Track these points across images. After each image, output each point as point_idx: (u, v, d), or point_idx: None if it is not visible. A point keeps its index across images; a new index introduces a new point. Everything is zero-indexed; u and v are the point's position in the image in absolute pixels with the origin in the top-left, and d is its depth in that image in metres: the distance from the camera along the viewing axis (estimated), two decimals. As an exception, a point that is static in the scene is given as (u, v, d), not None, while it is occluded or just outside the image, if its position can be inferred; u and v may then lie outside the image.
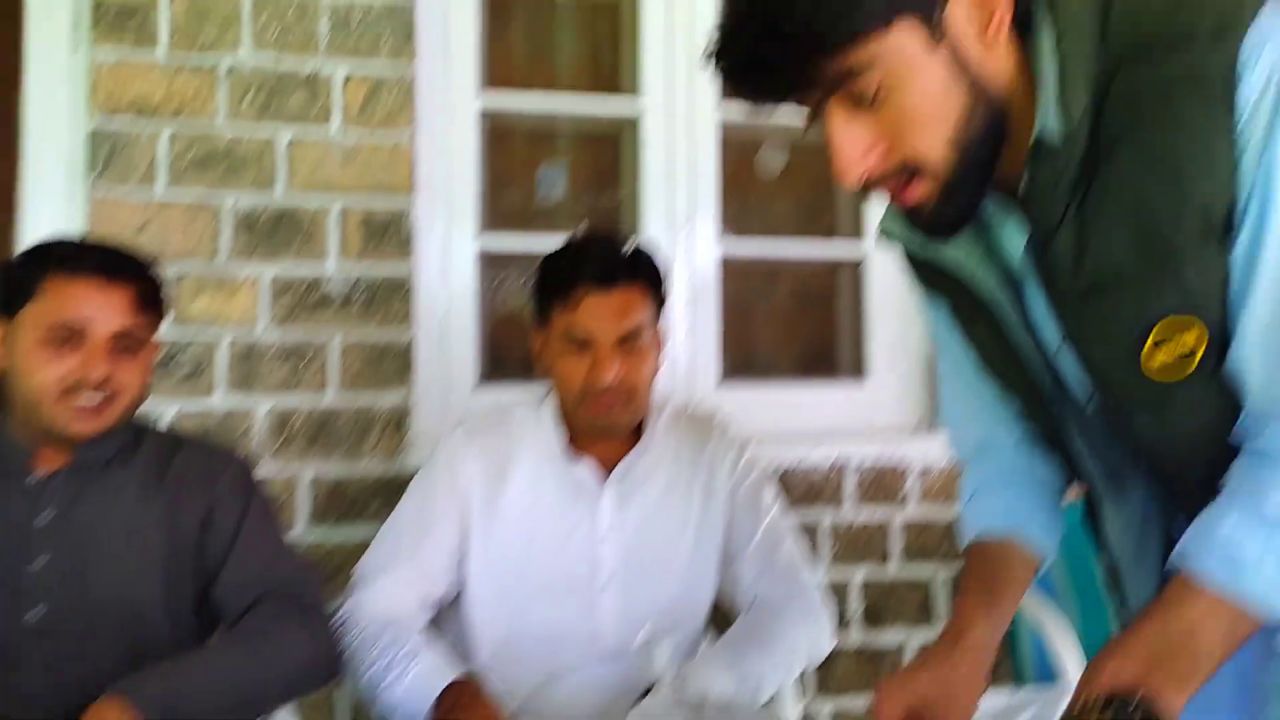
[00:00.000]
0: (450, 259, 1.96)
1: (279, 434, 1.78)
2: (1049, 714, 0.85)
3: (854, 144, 0.76)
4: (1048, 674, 1.70)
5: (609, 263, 1.31)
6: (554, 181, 2.26)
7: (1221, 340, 0.76)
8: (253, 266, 1.77)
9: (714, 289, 2.13)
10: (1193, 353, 0.76)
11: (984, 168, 0.79)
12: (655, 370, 1.38)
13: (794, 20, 0.72)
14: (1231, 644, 0.73)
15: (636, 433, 1.43)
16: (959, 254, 0.88)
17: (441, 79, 1.94)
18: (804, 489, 2.05)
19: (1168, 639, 0.72)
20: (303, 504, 1.79)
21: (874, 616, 2.09)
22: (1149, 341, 0.76)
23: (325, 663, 1.20)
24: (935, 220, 0.81)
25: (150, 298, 1.19)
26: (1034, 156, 0.77)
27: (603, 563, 1.38)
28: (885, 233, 0.96)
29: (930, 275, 0.94)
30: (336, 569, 1.75)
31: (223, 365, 1.76)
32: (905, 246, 0.94)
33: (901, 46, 0.73)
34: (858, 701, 2.06)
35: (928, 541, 2.11)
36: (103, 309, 1.13)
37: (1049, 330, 0.87)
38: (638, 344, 1.32)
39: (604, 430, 1.39)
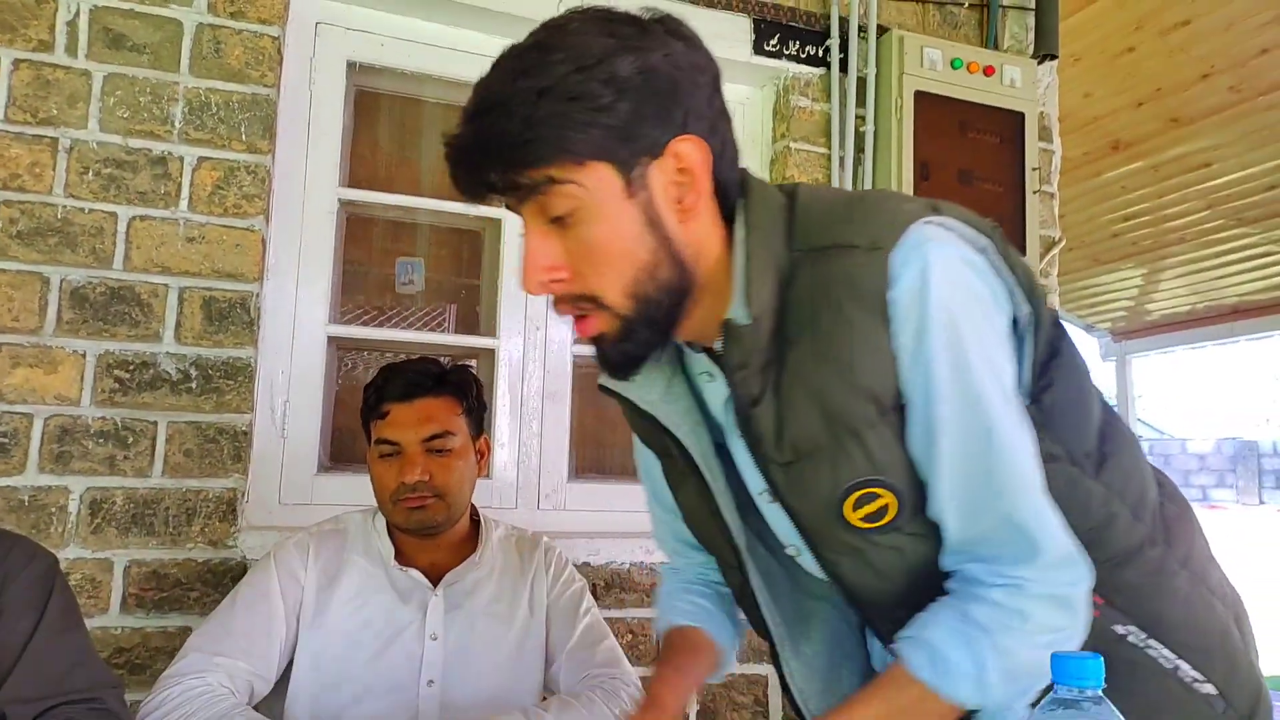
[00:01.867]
0: (298, 343, 1.95)
1: (95, 515, 1.70)
2: None
3: (541, 255, 0.83)
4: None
5: (413, 379, 1.47)
6: (412, 273, 2.29)
7: (911, 496, 0.87)
8: (80, 342, 1.72)
9: (568, 389, 2.18)
10: (886, 508, 0.87)
11: (661, 323, 0.86)
12: (468, 474, 1.49)
13: (504, 130, 0.78)
14: None
15: (467, 546, 1.53)
16: (674, 411, 0.95)
17: (299, 170, 1.97)
18: (645, 587, 2.08)
19: (884, 717, 0.83)
20: (117, 589, 1.69)
21: (708, 715, 2.10)
22: (849, 501, 0.86)
23: None
24: (611, 356, 0.87)
25: None
26: (726, 336, 0.86)
27: (427, 662, 1.40)
28: (603, 388, 1.00)
29: (646, 430, 1.00)
30: (150, 657, 1.66)
31: (36, 441, 1.68)
32: (628, 399, 0.98)
33: (598, 184, 0.80)
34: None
35: (762, 642, 2.16)
36: None
37: (754, 481, 0.96)
38: (444, 448, 1.44)
39: (420, 530, 1.46)
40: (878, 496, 0.85)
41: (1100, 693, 0.66)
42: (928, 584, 0.89)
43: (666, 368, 0.96)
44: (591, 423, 2.38)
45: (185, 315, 1.79)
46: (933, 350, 0.82)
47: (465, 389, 1.52)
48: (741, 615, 1.11)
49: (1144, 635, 0.88)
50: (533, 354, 2.17)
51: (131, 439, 1.73)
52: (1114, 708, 0.66)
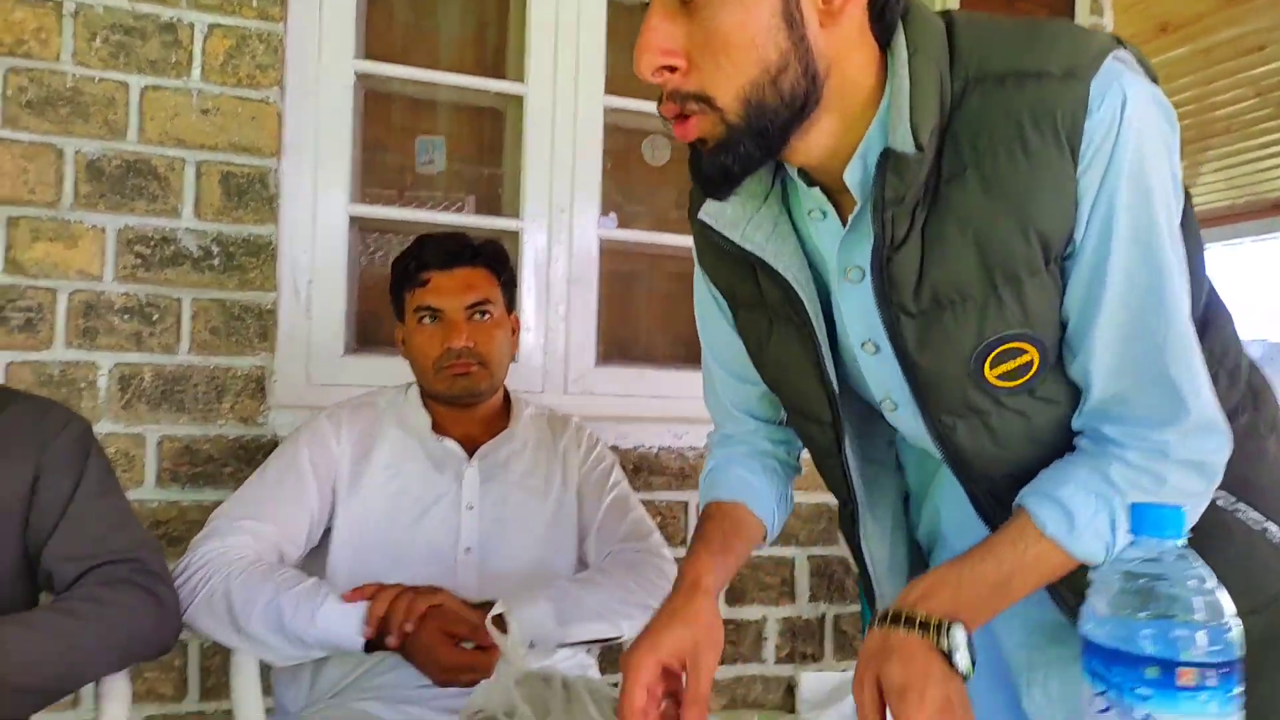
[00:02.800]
0: (319, 223, 1.90)
1: (124, 391, 1.70)
2: None
3: (661, 35, 0.76)
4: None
5: (452, 248, 1.46)
6: (433, 153, 2.22)
7: (1052, 356, 0.81)
8: (98, 216, 1.68)
9: (594, 272, 2.14)
10: (1027, 366, 0.81)
11: (770, 138, 0.78)
12: (507, 347, 1.48)
13: None
14: (1045, 582, 0.82)
15: (499, 422, 1.51)
16: (782, 252, 0.88)
17: (313, 40, 1.89)
18: (675, 470, 2.08)
19: (998, 571, 0.79)
20: (150, 463, 1.70)
21: (736, 594, 2.13)
22: (991, 356, 0.81)
23: (161, 631, 1.15)
24: (707, 169, 0.80)
25: None
26: (884, 167, 0.78)
27: (463, 532, 1.40)
28: (700, 224, 0.94)
29: (732, 275, 0.94)
30: (186, 530, 1.68)
31: (62, 317, 1.66)
32: (720, 236, 0.90)
33: None
34: (721, 672, 2.09)
35: (791, 525, 2.17)
36: None
37: (859, 331, 0.89)
38: (486, 317, 1.44)
39: (463, 398, 1.45)
40: (1022, 353, 0.80)
41: (1182, 545, 0.63)
42: (1043, 454, 0.85)
43: (774, 204, 0.89)
44: (618, 308, 2.35)
45: (203, 190, 1.74)
46: (1118, 191, 0.75)
47: (501, 261, 1.50)
48: (788, 492, 1.06)
49: (1233, 499, 0.85)
50: (558, 237, 2.11)
51: (156, 315, 1.71)
52: (1198, 559, 0.63)
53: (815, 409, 0.95)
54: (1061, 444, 0.86)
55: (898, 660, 0.72)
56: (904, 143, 0.77)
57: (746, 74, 0.75)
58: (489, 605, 1.17)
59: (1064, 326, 0.81)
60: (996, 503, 0.89)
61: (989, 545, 0.81)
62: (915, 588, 0.78)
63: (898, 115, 0.77)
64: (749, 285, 0.92)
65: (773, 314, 0.92)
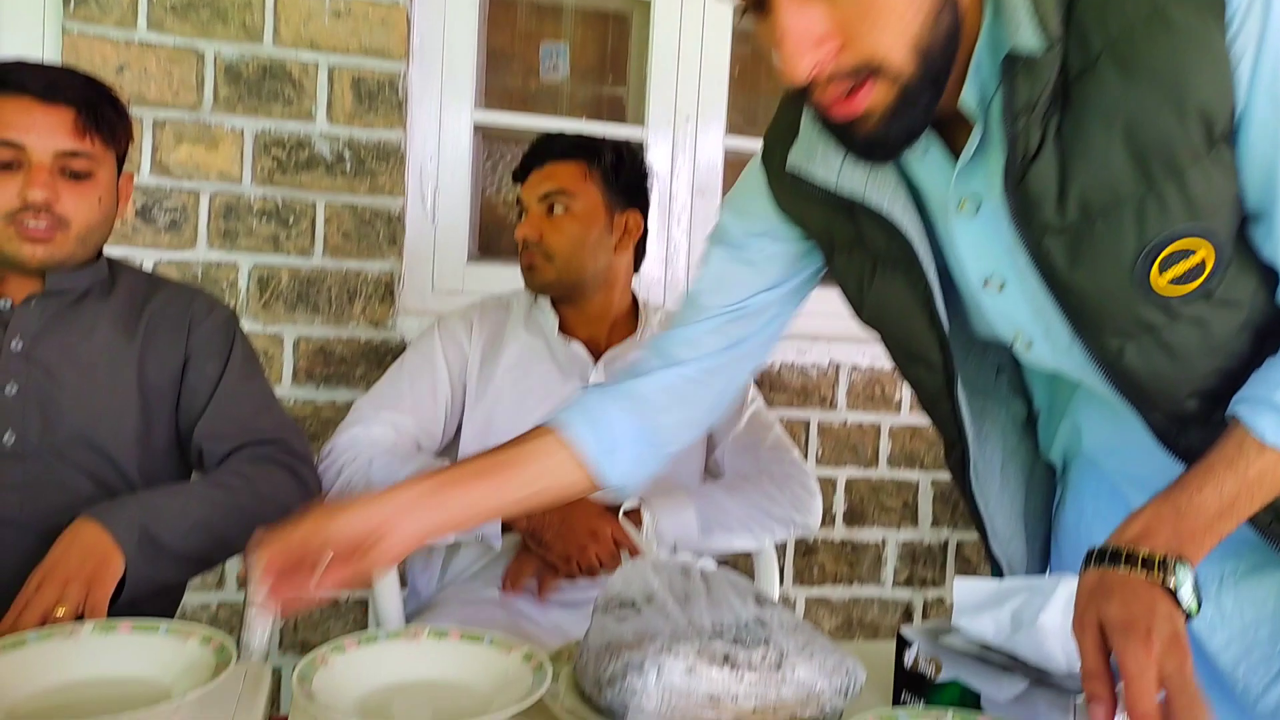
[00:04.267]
0: (445, 130, 1.90)
1: (263, 292, 1.75)
2: (1036, 603, 0.83)
3: (806, 31, 0.69)
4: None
5: (543, 142, 1.49)
6: (557, 59, 2.18)
7: (1229, 249, 0.73)
8: (237, 119, 1.72)
9: (718, 184, 2.08)
10: (1201, 266, 0.73)
11: (941, 80, 0.72)
12: (586, 239, 1.43)
13: None
14: (1273, 497, 0.74)
15: (627, 327, 1.50)
16: (884, 193, 0.80)
17: (441, -61, 1.86)
18: (798, 387, 2.04)
19: (1220, 498, 0.71)
20: (288, 362, 1.77)
21: (856, 515, 2.09)
22: (1158, 261, 0.73)
23: (305, 510, 1.20)
24: (881, 135, 0.73)
25: (96, 121, 1.12)
26: (1011, 73, 0.70)
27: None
28: (773, 161, 0.86)
29: (828, 220, 0.87)
30: (322, 428, 1.74)
31: (204, 218, 1.72)
32: (808, 179, 0.84)
33: None
34: (835, 591, 2.08)
35: (915, 447, 2.10)
36: (41, 129, 1.08)
37: (977, 267, 0.82)
38: (559, 210, 1.43)
39: (534, 291, 1.46)
40: (1192, 252, 0.72)
41: None
42: (1228, 365, 0.77)
43: None
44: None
45: (335, 94, 1.76)
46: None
47: (595, 153, 1.46)
48: (650, 455, 0.97)
49: None
50: (682, 148, 2.06)
51: (292, 218, 1.75)
52: None
53: (923, 352, 0.89)
54: (1248, 352, 0.78)
55: (1119, 598, 0.66)
56: (1029, 39, 0.69)
57: (912, 23, 0.69)
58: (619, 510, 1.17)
59: (1243, 213, 0.73)
60: (1181, 427, 0.81)
61: (1205, 470, 0.73)
62: (1132, 524, 0.71)
63: (1013, 12, 0.70)
64: (847, 228, 0.86)
65: (876, 257, 0.86)
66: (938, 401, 0.93)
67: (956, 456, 0.97)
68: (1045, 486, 1.01)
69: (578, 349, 1.42)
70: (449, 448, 1.41)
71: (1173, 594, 0.67)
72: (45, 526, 1.04)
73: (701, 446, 1.46)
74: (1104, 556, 0.69)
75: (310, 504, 1.19)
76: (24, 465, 1.09)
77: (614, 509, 1.25)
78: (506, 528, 1.23)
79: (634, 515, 1.10)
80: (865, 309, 0.92)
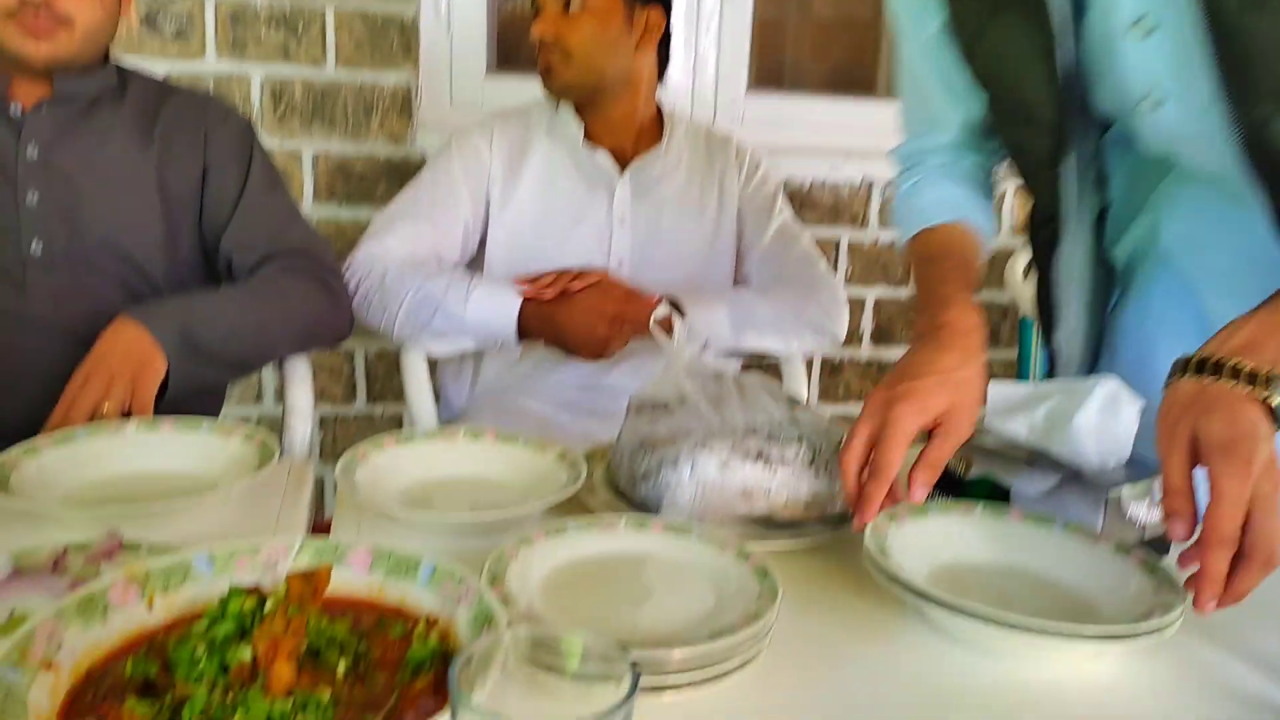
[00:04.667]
0: (457, -71, 1.77)
1: (277, 105, 1.70)
2: (1071, 405, 0.82)
3: None
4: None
5: None
6: None
7: None
8: (238, -85, 1.61)
9: (747, -5, 1.95)
10: None
11: None
12: (605, 38, 1.35)
13: None
14: None
15: (652, 137, 1.43)
16: None
17: None
18: (828, 205, 1.98)
19: None
20: (308, 179, 1.74)
21: (884, 335, 2.08)
22: None
23: (337, 320, 1.20)
24: None
25: None
26: None
27: (615, 246, 1.38)
28: None
29: None
30: (346, 247, 1.72)
31: (211, 26, 1.64)
32: None
33: None
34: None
35: (948, 266, 2.07)
36: None
37: (1127, 8, 0.74)
38: (575, 6, 1.34)
39: (552, 95, 1.39)
40: None
41: None
42: None
43: None
44: (772, 29, 2.16)
45: (339, -115, 1.63)
46: None
47: None
48: (992, 208, 0.97)
49: None
50: (711, -50, 1.91)
51: (302, 25, 1.67)
52: None
53: (1036, 109, 0.84)
54: None
55: (1222, 415, 0.62)
56: None
57: None
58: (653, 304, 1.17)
59: None
60: None
61: None
62: (1236, 334, 0.66)
63: None
64: None
65: (1019, 7, 0.79)
66: (1040, 170, 0.89)
67: (1046, 235, 0.94)
68: (1104, 286, 0.98)
69: (603, 158, 1.38)
70: (470, 264, 1.39)
71: (1274, 413, 0.63)
72: (78, 332, 1.05)
73: (730, 258, 1.44)
74: (1203, 366, 0.65)
75: (341, 316, 1.21)
76: (53, 274, 1.10)
77: (646, 314, 1.24)
78: (523, 334, 1.23)
79: (665, 321, 1.10)
80: (978, 57, 0.86)
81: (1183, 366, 0.66)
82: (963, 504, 0.77)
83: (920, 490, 0.73)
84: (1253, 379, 0.63)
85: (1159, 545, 0.78)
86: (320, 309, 1.17)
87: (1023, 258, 1.86)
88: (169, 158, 1.15)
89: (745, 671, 0.59)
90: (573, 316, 1.23)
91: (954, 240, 0.91)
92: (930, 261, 0.90)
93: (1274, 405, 0.63)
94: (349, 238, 1.73)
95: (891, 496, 0.73)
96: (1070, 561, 0.72)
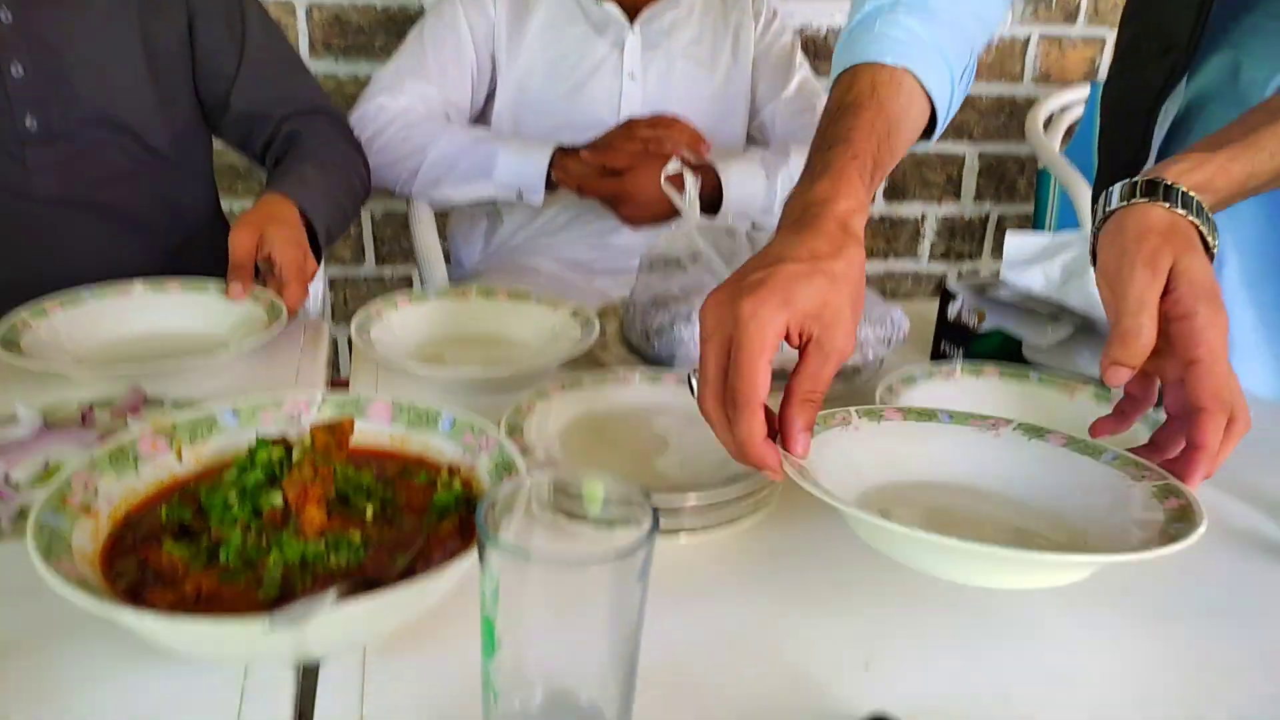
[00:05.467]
0: None
1: (265, -49, 1.61)
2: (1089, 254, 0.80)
3: None
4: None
5: None
6: None
7: None
8: None
9: None
10: None
11: None
12: None
13: None
14: None
15: None
16: None
17: None
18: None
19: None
20: (302, 33, 1.67)
21: (897, 191, 2.05)
22: None
23: (369, 178, 1.19)
24: None
25: None
26: None
27: (625, 101, 1.34)
28: None
29: None
30: (346, 105, 1.67)
31: None
32: None
33: None
34: (870, 266, 2.10)
35: (965, 119, 2.00)
36: None
37: None
38: None
39: None
40: None
41: None
42: None
43: None
44: None
45: None
46: None
47: None
48: (973, 63, 0.77)
49: None
50: None
51: None
52: None
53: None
54: None
55: (1199, 256, 0.56)
56: None
57: None
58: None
59: None
60: None
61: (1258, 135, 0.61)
62: (1197, 169, 0.60)
63: None
64: None
65: None
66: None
67: (1168, 64, 0.86)
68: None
69: (611, 8, 1.32)
70: (477, 122, 1.35)
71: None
72: (85, 203, 1.04)
73: (744, 113, 1.40)
74: (1171, 195, 0.59)
75: (368, 170, 1.18)
76: (53, 148, 1.06)
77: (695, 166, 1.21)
78: (550, 185, 1.21)
79: (675, 179, 1.07)
80: None
81: (1148, 189, 0.59)
82: (972, 365, 0.78)
83: (802, 440, 0.53)
84: (1209, 223, 0.59)
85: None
86: (363, 170, 1.16)
87: (1045, 108, 1.80)
88: (151, 13, 1.10)
89: (758, 516, 0.61)
90: (642, 184, 1.19)
91: (882, 94, 0.67)
92: (835, 116, 0.67)
93: (1214, 254, 0.59)
94: (348, 94, 1.69)
95: (783, 434, 0.53)
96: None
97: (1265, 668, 0.51)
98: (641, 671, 0.41)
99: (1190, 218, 0.58)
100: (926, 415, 0.61)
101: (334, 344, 1.84)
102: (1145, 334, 0.54)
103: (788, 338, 0.53)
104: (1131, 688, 0.48)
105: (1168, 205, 0.58)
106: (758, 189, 1.21)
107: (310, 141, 1.12)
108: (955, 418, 0.61)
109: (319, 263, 1.00)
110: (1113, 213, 0.60)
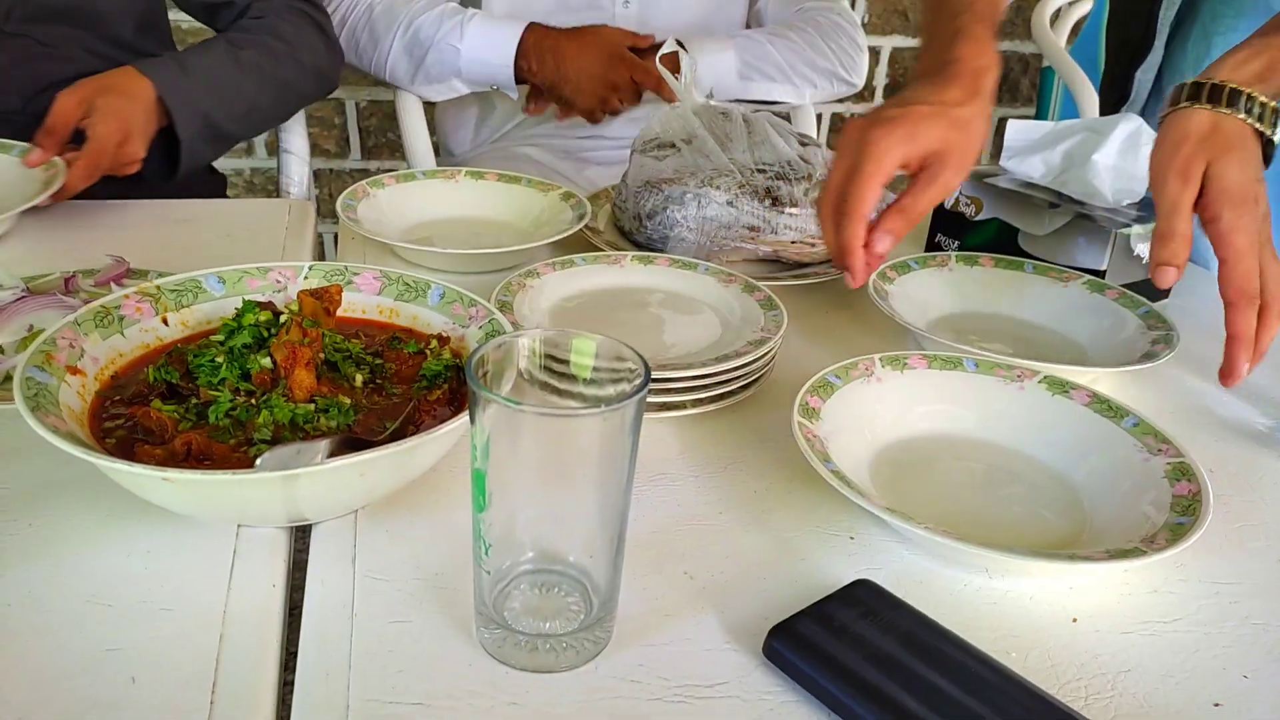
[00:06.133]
0: None
1: None
2: (1091, 142, 0.79)
3: None
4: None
5: None
6: None
7: None
8: None
9: None
10: None
11: None
12: None
13: None
14: None
15: None
16: None
17: None
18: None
19: None
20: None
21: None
22: None
23: (333, 66, 1.12)
24: None
25: None
26: None
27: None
28: None
29: None
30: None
31: None
32: None
33: None
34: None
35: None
36: None
37: None
38: None
39: None
40: None
41: None
42: None
43: None
44: None
45: None
46: None
47: None
48: None
49: None
50: None
51: None
52: None
53: None
54: None
55: (1238, 156, 0.59)
56: None
57: None
58: (658, 47, 1.10)
59: None
60: None
61: None
62: (1249, 62, 0.62)
63: None
64: None
65: None
66: None
67: None
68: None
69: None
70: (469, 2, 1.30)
71: (1269, 151, 0.61)
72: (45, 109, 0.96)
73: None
74: (1217, 95, 0.61)
75: (337, 62, 1.13)
76: (8, 44, 0.96)
77: (647, 51, 1.18)
78: (521, 80, 1.17)
79: (670, 60, 1.04)
80: None
81: (1193, 92, 0.62)
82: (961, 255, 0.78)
83: (884, 240, 0.60)
84: (1262, 114, 0.61)
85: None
86: (324, 63, 1.08)
87: (1051, 4, 1.75)
88: None
89: (750, 394, 0.61)
90: (570, 89, 1.15)
91: None
92: None
93: (1276, 142, 0.61)
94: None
95: (872, 250, 0.61)
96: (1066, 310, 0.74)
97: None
98: (630, 540, 0.42)
99: (1238, 115, 0.60)
100: (951, 363, 0.60)
101: (320, 240, 1.82)
102: (1178, 236, 0.59)
103: (907, 167, 0.61)
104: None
105: (1212, 107, 0.61)
106: (729, 64, 1.17)
107: (256, 28, 1.03)
108: (980, 365, 0.60)
109: (177, 167, 0.92)
110: (1164, 119, 0.63)
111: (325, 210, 1.83)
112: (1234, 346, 0.58)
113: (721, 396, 0.60)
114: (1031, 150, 0.82)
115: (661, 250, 0.78)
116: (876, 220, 0.61)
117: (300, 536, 0.47)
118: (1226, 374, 0.58)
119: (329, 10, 1.19)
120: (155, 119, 0.88)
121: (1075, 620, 0.45)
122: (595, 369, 0.41)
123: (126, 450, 0.44)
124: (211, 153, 0.98)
